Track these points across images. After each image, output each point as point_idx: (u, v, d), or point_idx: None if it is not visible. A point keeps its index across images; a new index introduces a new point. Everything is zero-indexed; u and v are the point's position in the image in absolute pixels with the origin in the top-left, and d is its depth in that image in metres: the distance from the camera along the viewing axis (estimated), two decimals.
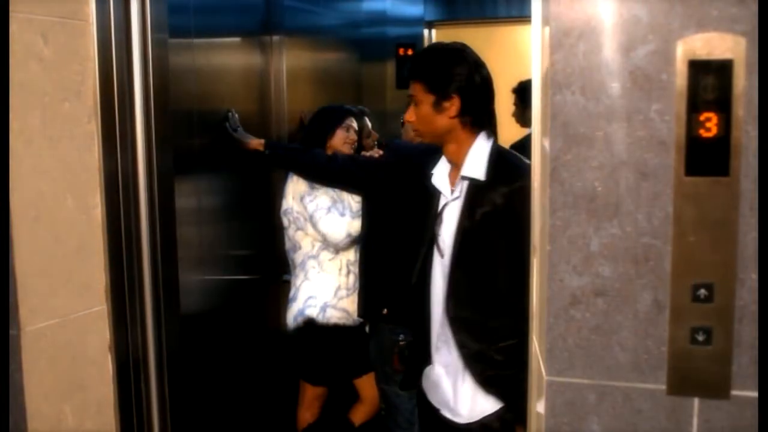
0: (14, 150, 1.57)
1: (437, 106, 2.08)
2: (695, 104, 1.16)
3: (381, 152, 2.95)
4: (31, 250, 1.62)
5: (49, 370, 1.69)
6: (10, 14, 1.55)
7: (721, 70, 1.14)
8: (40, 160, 1.64)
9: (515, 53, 4.51)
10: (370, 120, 3.29)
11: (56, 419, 1.72)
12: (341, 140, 3.04)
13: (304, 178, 2.95)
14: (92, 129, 1.78)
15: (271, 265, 3.25)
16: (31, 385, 1.65)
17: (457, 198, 2.13)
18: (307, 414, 3.16)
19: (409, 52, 4.19)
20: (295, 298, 3.03)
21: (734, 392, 1.21)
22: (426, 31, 4.68)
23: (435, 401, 2.22)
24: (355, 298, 2.98)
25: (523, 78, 4.00)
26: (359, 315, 2.96)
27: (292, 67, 3.32)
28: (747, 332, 1.19)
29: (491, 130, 2.16)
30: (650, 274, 1.22)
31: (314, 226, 2.91)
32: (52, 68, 1.66)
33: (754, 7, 1.12)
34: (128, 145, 1.89)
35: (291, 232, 3.03)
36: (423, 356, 2.27)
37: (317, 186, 2.94)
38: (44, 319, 1.67)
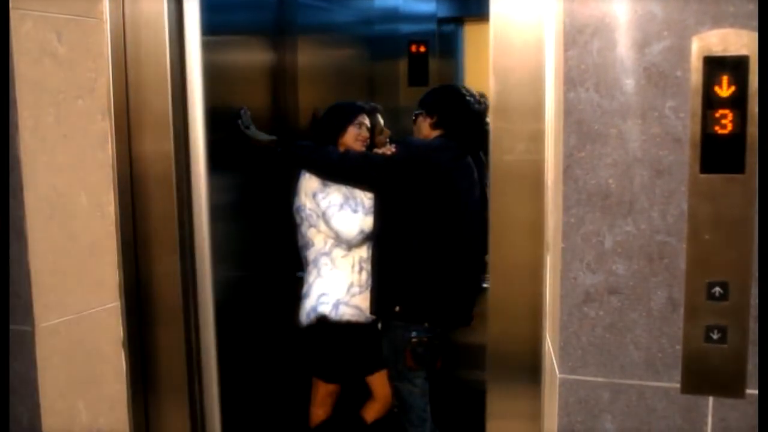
0: (28, 147, 1.58)
1: None
2: (710, 101, 1.15)
3: (393, 149, 2.95)
4: (45, 247, 1.63)
5: (63, 366, 1.70)
6: (25, 12, 1.56)
7: (737, 66, 1.14)
8: (54, 157, 1.65)
9: None
10: (382, 117, 3.28)
11: (70, 415, 1.73)
12: (353, 137, 3.03)
13: (317, 175, 2.95)
14: (105, 126, 1.79)
15: (283, 262, 3.25)
16: (46, 381, 1.65)
17: None
18: (319, 411, 3.16)
19: (422, 49, 4.18)
20: (307, 295, 3.03)
21: (749, 391, 1.20)
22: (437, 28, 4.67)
23: None
24: (367, 295, 2.97)
25: None
26: (372, 312, 2.96)
27: (304, 64, 3.32)
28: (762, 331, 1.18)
29: None
30: (665, 272, 1.21)
31: (327, 223, 2.91)
32: (66, 66, 1.67)
33: None
34: None
35: (304, 229, 3.04)
36: None
37: (329, 183, 2.94)
38: (58, 316, 1.68)
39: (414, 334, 2.85)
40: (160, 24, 1.80)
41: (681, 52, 1.16)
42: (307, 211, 2.98)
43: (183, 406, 1.96)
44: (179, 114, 1.85)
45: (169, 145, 1.84)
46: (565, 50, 1.22)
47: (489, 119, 1.63)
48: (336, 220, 2.88)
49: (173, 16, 1.82)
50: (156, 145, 1.85)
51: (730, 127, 1.14)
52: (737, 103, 1.14)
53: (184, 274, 1.91)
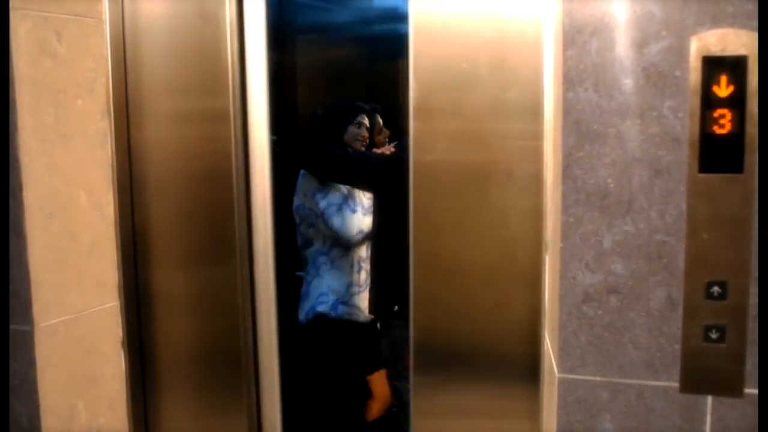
0: (28, 147, 1.58)
1: None
2: (709, 101, 1.15)
3: (392, 149, 2.95)
4: (44, 246, 1.63)
5: (63, 365, 1.70)
6: (24, 12, 1.56)
7: (736, 66, 1.14)
8: (53, 157, 1.65)
9: None
10: (381, 116, 3.28)
11: (69, 414, 1.73)
12: (353, 137, 3.04)
13: (316, 175, 2.95)
14: (105, 126, 1.79)
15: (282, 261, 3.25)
16: (45, 381, 1.65)
17: None
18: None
19: None
20: (307, 294, 3.03)
21: (748, 390, 1.20)
22: None
23: None
24: (366, 294, 2.98)
25: None
26: (371, 312, 2.96)
27: (304, 63, 3.32)
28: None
29: None
30: (663, 271, 1.21)
31: (326, 222, 2.91)
32: (66, 65, 1.67)
33: None
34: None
35: (303, 228, 3.04)
36: None
37: (329, 183, 2.94)
38: (57, 315, 1.68)
39: None
40: (222, 20, 1.79)
41: (680, 51, 1.16)
42: (306, 211, 2.98)
43: (241, 414, 1.95)
44: (239, 108, 1.83)
45: (230, 144, 1.82)
46: (564, 50, 1.22)
47: (411, 120, 1.68)
48: (335, 219, 2.89)
49: (234, 12, 1.80)
50: (215, 144, 1.83)
51: (728, 126, 1.14)
52: (736, 102, 1.14)
53: (242, 277, 1.90)
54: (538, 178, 1.58)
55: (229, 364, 1.92)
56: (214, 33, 1.79)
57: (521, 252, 1.63)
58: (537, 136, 1.56)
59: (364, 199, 2.95)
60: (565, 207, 1.25)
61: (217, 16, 1.79)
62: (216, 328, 1.92)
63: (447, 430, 1.74)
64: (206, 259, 1.89)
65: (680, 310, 1.21)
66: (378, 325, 3.05)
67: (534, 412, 1.66)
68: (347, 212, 2.90)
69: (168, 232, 1.89)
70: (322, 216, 2.92)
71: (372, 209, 2.93)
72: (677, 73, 1.17)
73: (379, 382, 3.10)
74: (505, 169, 1.59)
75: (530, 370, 1.66)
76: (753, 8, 1.12)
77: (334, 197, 2.92)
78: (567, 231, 1.25)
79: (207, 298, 1.91)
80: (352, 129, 3.04)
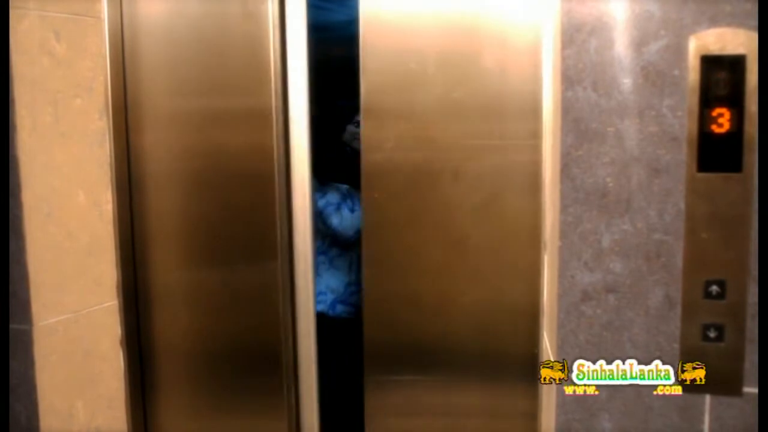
0: (27, 145, 1.58)
1: None
2: (708, 100, 1.15)
3: None
4: (43, 245, 1.63)
5: (61, 364, 1.70)
6: (23, 11, 1.56)
7: (734, 65, 1.14)
8: (52, 155, 1.65)
9: None
10: None
11: (68, 414, 1.73)
12: (352, 136, 3.04)
13: (315, 174, 2.95)
14: (103, 125, 1.79)
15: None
16: (44, 380, 1.65)
17: None
18: None
19: None
20: None
21: (746, 389, 1.20)
22: None
23: None
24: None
25: None
26: None
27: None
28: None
29: None
30: (662, 270, 1.21)
31: (324, 221, 2.91)
32: (65, 64, 1.67)
33: None
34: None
35: None
36: None
37: (327, 182, 2.95)
38: (56, 314, 1.68)
39: None
40: (264, 18, 1.79)
41: (678, 51, 1.16)
42: None
43: (282, 415, 1.95)
44: (280, 107, 1.83)
45: (272, 142, 1.82)
46: (563, 48, 1.22)
47: (361, 120, 1.72)
48: (333, 218, 2.89)
49: (276, 10, 1.80)
50: (256, 142, 1.83)
51: (727, 125, 1.14)
52: (734, 101, 1.14)
53: (283, 277, 1.90)
54: (536, 177, 1.58)
55: (262, 364, 1.93)
56: (257, 32, 1.78)
57: (519, 251, 1.63)
58: (536, 135, 1.57)
59: None
60: (564, 206, 1.25)
61: (259, 15, 1.78)
62: (240, 327, 1.92)
63: (447, 429, 1.74)
64: (233, 259, 1.90)
65: (679, 309, 1.21)
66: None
67: (533, 412, 1.66)
68: (346, 211, 2.90)
69: (174, 233, 1.90)
70: (320, 215, 2.92)
71: None
72: (676, 72, 1.17)
73: None
74: (497, 169, 1.59)
75: (529, 370, 1.66)
76: (751, 7, 1.12)
77: (332, 196, 2.92)
78: (565, 230, 1.25)
79: (224, 298, 1.91)
80: (351, 128, 3.04)
